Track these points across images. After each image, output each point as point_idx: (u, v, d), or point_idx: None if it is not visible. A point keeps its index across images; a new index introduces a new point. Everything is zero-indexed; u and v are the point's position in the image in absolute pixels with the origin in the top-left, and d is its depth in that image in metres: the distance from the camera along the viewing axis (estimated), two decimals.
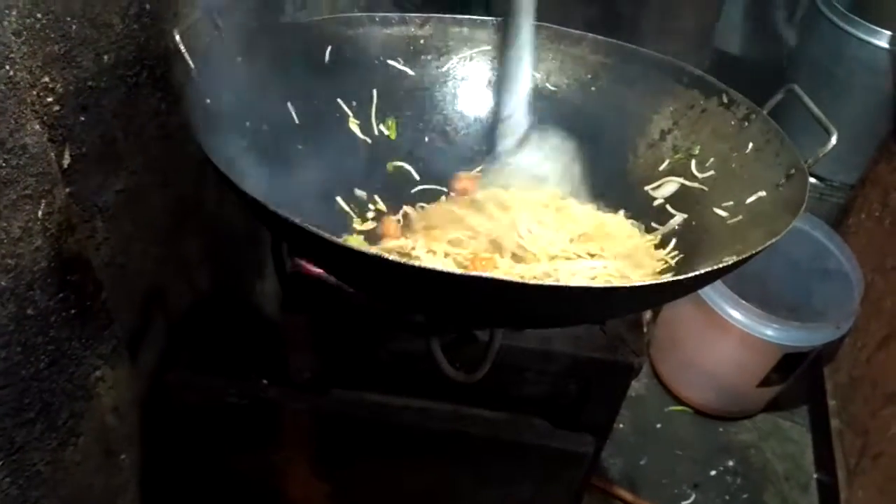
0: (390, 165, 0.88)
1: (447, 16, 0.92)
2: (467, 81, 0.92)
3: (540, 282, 0.65)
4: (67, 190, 0.67)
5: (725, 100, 0.79)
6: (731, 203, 0.75)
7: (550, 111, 0.89)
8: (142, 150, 0.83)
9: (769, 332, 1.49)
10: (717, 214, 0.75)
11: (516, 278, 0.65)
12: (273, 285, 1.21)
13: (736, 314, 1.51)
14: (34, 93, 0.63)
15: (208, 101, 0.66)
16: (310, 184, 0.79)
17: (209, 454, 0.98)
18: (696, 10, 1.40)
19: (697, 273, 0.53)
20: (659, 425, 1.70)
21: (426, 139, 0.90)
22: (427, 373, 0.69)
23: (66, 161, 0.69)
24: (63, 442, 0.71)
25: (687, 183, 0.79)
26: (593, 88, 0.89)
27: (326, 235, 0.53)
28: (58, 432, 0.70)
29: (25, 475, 0.66)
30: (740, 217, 0.72)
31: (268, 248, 1.01)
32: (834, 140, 0.68)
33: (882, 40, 1.58)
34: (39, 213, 0.62)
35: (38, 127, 0.62)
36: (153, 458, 0.89)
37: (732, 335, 1.54)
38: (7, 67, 0.57)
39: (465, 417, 0.77)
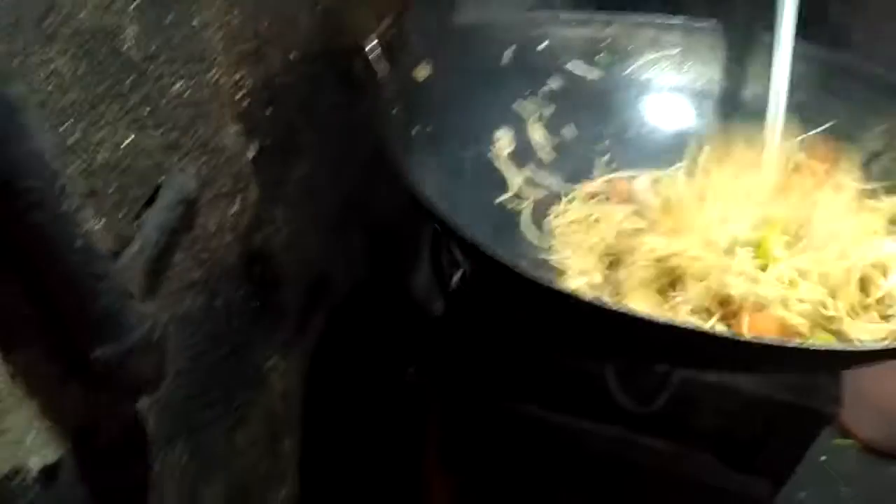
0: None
1: (634, 15, 0.88)
2: (650, 86, 0.88)
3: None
4: (257, 185, 0.69)
5: None
6: None
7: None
8: (320, 144, 0.85)
9: None
10: None
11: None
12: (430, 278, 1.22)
13: None
14: (230, 91, 0.65)
15: (394, 110, 0.66)
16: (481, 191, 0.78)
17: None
18: None
19: None
20: (823, 458, 1.58)
21: (606, 143, 0.86)
22: (596, 394, 0.66)
23: (252, 153, 0.72)
24: (236, 425, 0.74)
25: None
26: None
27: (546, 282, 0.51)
28: (233, 416, 0.73)
29: (202, 454, 0.69)
30: None
31: (425, 246, 1.02)
32: None
33: None
34: (233, 209, 0.64)
35: (235, 127, 0.64)
36: (311, 446, 0.92)
37: None
38: (213, 70, 0.59)
39: (636, 445, 0.73)
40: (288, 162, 0.79)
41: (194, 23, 0.55)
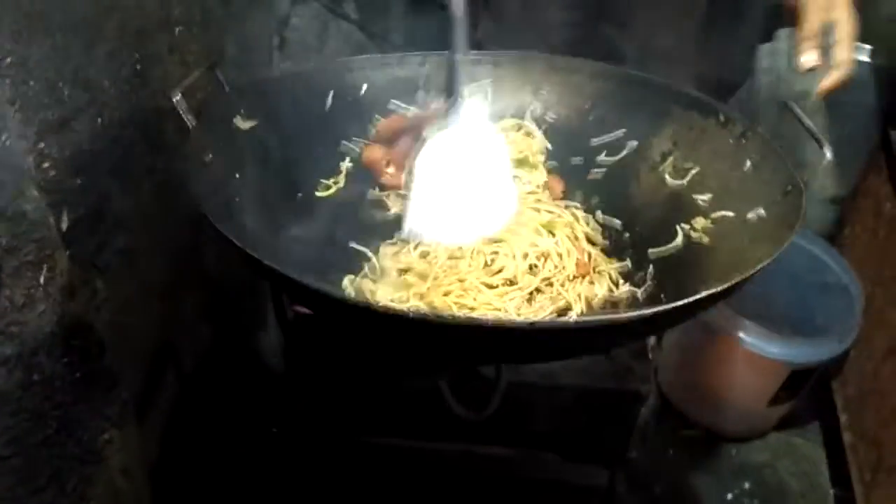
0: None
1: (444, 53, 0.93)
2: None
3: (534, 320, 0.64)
4: (68, 253, 0.67)
5: (722, 119, 0.80)
6: (728, 221, 0.75)
7: (552, 141, 0.90)
8: (138, 209, 0.84)
9: (775, 349, 1.48)
10: (715, 233, 0.75)
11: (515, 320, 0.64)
12: (276, 335, 1.21)
13: (740, 334, 1.50)
14: (30, 160, 0.64)
15: (208, 157, 0.67)
16: (312, 229, 0.80)
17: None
18: (676, 31, 1.42)
19: (704, 294, 0.54)
20: (672, 451, 1.68)
21: None
22: (437, 413, 0.69)
23: (65, 224, 0.70)
24: None
25: (692, 235, 0.78)
26: (591, 118, 0.89)
27: (324, 287, 0.53)
28: (69, 498, 0.69)
29: None
30: (740, 235, 0.72)
31: (268, 299, 1.02)
32: (829, 155, 0.69)
33: (863, 55, 1.61)
34: (41, 278, 0.62)
35: (36, 193, 0.62)
36: None
37: (739, 355, 1.53)
38: (3, 136, 0.58)
39: (477, 456, 0.76)
40: (103, 230, 0.77)
41: None
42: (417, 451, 0.79)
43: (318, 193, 0.85)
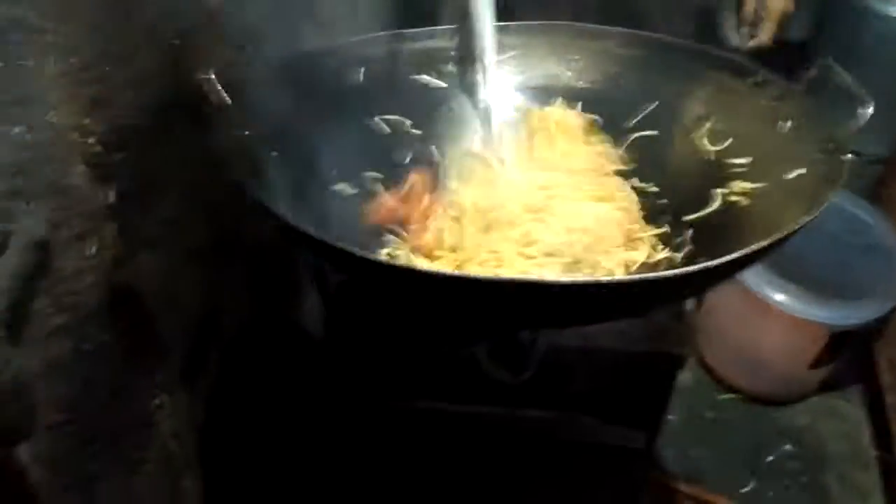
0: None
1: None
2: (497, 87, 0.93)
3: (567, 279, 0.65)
4: (115, 225, 0.69)
5: (759, 80, 0.79)
6: (769, 183, 0.74)
7: (586, 108, 0.89)
8: (181, 183, 0.85)
9: (815, 312, 1.47)
10: (755, 196, 0.74)
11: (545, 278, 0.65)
12: (318, 304, 1.23)
13: (780, 297, 1.49)
14: (76, 135, 0.66)
15: (246, 132, 0.68)
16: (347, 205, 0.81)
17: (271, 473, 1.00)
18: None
19: (742, 253, 0.53)
20: (711, 415, 1.68)
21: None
22: (475, 377, 0.70)
23: (112, 198, 0.72)
24: (130, 470, 0.73)
25: (730, 199, 0.78)
26: (622, 81, 0.88)
27: (362, 252, 0.54)
28: (125, 462, 0.72)
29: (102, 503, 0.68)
30: (780, 196, 0.72)
31: (308, 268, 1.04)
32: (870, 110, 0.68)
33: None
34: (90, 250, 0.64)
35: (82, 168, 0.64)
36: (213, 482, 0.91)
37: (779, 319, 1.52)
38: (50, 113, 0.59)
39: (516, 419, 0.77)
40: (148, 203, 0.79)
41: (28, 63, 0.56)
42: (455, 415, 0.80)
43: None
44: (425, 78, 0.92)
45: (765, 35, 1.27)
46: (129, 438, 0.72)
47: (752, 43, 1.28)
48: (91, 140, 0.68)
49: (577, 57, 0.92)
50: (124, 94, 0.73)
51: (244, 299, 1.06)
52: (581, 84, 0.90)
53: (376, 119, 0.88)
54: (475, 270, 0.70)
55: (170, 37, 0.82)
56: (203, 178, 0.90)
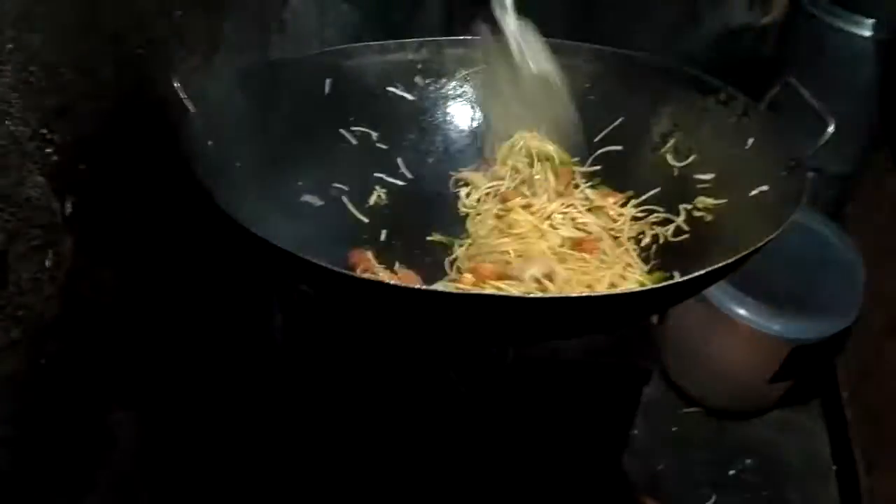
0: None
1: (443, 38, 0.93)
2: (463, 101, 0.93)
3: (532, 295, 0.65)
4: (73, 238, 0.67)
5: (723, 97, 0.80)
6: (732, 200, 0.75)
7: None
8: (143, 195, 0.84)
9: (776, 326, 1.49)
10: (718, 212, 0.75)
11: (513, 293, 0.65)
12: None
13: (741, 311, 1.51)
14: (34, 145, 0.64)
15: (209, 143, 0.68)
16: (314, 216, 0.80)
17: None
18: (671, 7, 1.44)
19: (706, 270, 0.54)
20: (675, 428, 1.69)
21: (429, 161, 0.91)
22: (439, 391, 0.69)
23: (69, 210, 0.70)
24: (85, 489, 0.71)
25: (695, 214, 0.79)
26: (591, 97, 0.89)
27: (334, 268, 0.54)
28: (80, 479, 0.70)
29: None
30: (743, 212, 0.73)
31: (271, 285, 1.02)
32: (831, 129, 0.69)
33: (865, 29, 1.60)
34: (47, 263, 0.63)
35: (40, 179, 0.63)
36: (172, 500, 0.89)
37: (740, 332, 1.54)
38: (7, 122, 0.58)
39: (479, 433, 0.77)
40: (109, 214, 0.78)
41: None
42: (417, 429, 0.80)
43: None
44: (393, 90, 0.92)
45: (776, 10, 1.28)
46: (83, 457, 0.71)
47: (765, 19, 1.27)
48: (49, 150, 0.67)
49: None
50: (85, 103, 0.72)
51: (213, 311, 1.04)
52: None
53: (342, 131, 0.88)
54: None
55: (134, 45, 0.81)
56: (166, 191, 0.89)
